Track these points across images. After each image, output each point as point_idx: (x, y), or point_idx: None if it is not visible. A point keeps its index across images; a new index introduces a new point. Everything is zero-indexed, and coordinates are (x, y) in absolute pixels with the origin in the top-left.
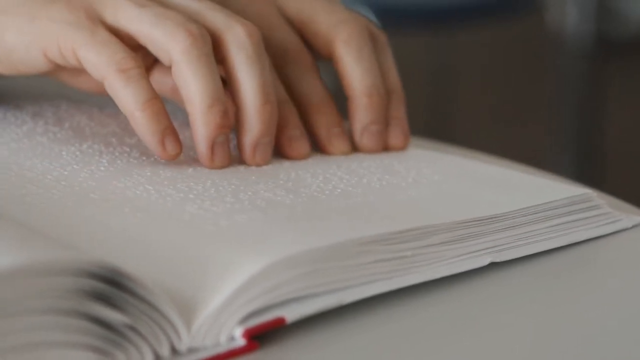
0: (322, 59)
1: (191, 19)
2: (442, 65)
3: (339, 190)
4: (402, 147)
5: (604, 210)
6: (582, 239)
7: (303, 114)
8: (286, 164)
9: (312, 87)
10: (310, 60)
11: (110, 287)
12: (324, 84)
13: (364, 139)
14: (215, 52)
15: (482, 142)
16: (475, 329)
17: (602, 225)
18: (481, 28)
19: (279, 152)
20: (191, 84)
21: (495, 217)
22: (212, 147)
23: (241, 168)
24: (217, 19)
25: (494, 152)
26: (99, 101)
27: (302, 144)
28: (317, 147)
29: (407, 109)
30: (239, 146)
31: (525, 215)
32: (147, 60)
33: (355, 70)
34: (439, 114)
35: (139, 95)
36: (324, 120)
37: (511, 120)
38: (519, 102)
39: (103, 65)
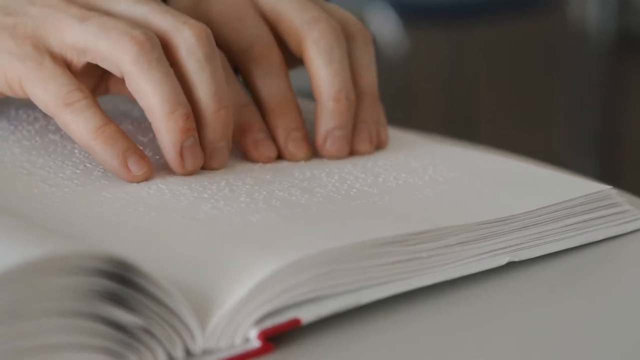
0: (296, 57)
1: (137, 24)
2: (461, 62)
3: (354, 190)
4: (368, 153)
5: (623, 208)
6: (602, 237)
7: (264, 116)
8: (301, 162)
9: (274, 87)
10: (276, 58)
11: (124, 287)
12: (288, 84)
13: (327, 144)
14: (167, 55)
15: (501, 138)
16: (493, 328)
17: (622, 224)
18: (502, 25)
19: (246, 156)
20: (147, 92)
21: (513, 217)
22: (181, 153)
23: (256, 167)
24: (165, 21)
25: (512, 149)
26: (112, 99)
27: (267, 147)
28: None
29: (426, 106)
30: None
31: (544, 214)
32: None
33: (324, 72)
34: (458, 111)
35: (89, 125)
36: (283, 124)
37: (530, 117)
38: (539, 98)
39: (51, 102)
